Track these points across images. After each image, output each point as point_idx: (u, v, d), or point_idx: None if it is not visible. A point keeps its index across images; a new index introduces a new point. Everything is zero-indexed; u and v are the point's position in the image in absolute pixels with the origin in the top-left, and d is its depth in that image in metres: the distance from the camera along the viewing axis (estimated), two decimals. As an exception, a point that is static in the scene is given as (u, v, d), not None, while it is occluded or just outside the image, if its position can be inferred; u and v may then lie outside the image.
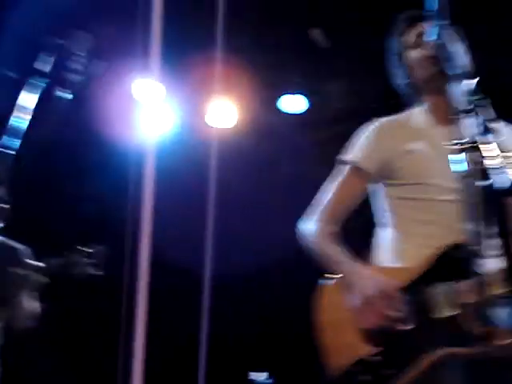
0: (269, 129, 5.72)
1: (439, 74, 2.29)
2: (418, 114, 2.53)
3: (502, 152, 1.18)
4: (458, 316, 2.11)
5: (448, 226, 2.22)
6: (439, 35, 1.74)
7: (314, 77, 5.57)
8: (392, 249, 2.42)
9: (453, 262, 2.15)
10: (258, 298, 5.78)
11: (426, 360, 2.12)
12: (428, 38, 1.87)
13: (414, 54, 2.48)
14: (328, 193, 2.50)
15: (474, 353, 2.07)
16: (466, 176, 1.33)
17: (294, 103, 5.61)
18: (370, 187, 2.50)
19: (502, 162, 1.15)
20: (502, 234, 1.22)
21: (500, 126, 2.45)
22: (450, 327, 2.11)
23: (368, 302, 2.20)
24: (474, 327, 2.07)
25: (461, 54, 2.20)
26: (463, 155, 1.35)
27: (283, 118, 5.71)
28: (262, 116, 5.68)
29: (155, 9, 4.11)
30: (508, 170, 1.15)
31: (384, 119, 2.54)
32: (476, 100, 1.35)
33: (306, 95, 5.58)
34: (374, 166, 2.43)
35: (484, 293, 2.05)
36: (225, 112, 5.48)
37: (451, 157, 1.38)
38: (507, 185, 1.12)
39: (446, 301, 2.14)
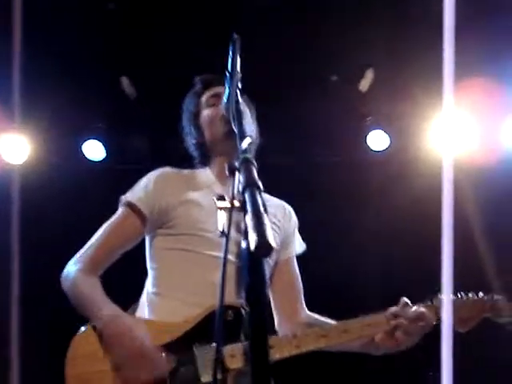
0: (66, 172, 5.54)
1: (226, 135, 2.37)
2: (203, 172, 2.57)
3: (259, 213, 1.18)
4: (221, 381, 2.04)
5: (216, 285, 2.14)
6: (229, 98, 1.77)
7: (116, 125, 5.50)
8: (153, 302, 2.34)
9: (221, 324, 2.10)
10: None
11: None
12: (223, 99, 1.91)
13: (206, 113, 2.54)
14: (98, 233, 2.40)
15: None
16: (226, 235, 1.33)
17: (93, 149, 5.47)
18: (147, 235, 2.44)
19: (258, 223, 1.15)
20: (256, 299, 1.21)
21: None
22: None
23: (125, 362, 2.07)
24: None
25: (246, 118, 2.28)
26: (224, 212, 1.36)
27: (84, 162, 5.55)
28: (60, 158, 5.50)
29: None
30: (267, 232, 1.15)
31: (170, 169, 2.55)
32: (243, 159, 1.37)
33: (105, 143, 5.47)
34: (150, 209, 2.38)
35: (247, 359, 2.08)
36: (19, 149, 5.24)
37: (218, 213, 1.39)
38: (262, 246, 1.12)
39: (210, 364, 2.07)
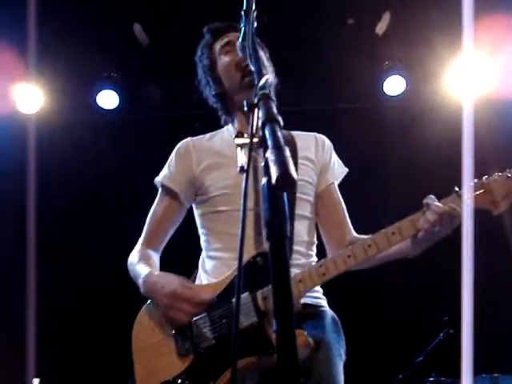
0: (81, 121, 5.53)
1: (244, 83, 2.37)
2: (225, 131, 2.59)
3: (280, 147, 1.16)
4: (257, 324, 2.11)
5: (250, 237, 2.23)
6: (245, 37, 1.74)
7: (130, 74, 5.45)
8: (204, 265, 2.45)
9: (254, 272, 2.15)
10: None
11: (230, 372, 2.08)
12: (237, 44, 1.88)
13: (222, 62, 2.50)
14: (149, 216, 2.56)
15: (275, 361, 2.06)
16: (245, 172, 1.31)
17: (107, 99, 5.44)
18: (190, 207, 2.54)
19: (279, 156, 1.13)
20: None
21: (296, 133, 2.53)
22: (250, 336, 2.10)
23: (164, 307, 2.20)
24: (272, 335, 2.06)
25: (262, 57, 2.24)
26: (244, 151, 1.34)
27: (98, 112, 5.53)
28: (74, 108, 5.48)
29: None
30: (288, 164, 1.13)
31: (191, 138, 2.58)
32: (261, 95, 1.34)
33: (119, 92, 5.44)
34: (179, 185, 2.49)
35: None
36: (33, 99, 5.25)
37: (238, 153, 1.37)
38: (284, 179, 1.09)
39: (245, 310, 2.12)
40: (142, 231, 2.56)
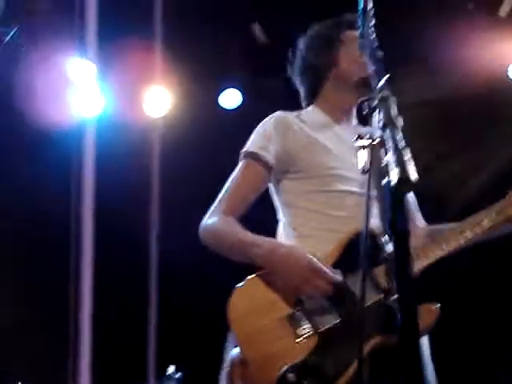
0: (206, 122, 5.69)
1: (364, 81, 2.28)
2: (311, 112, 2.57)
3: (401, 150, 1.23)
4: (381, 301, 2.11)
5: (352, 218, 2.24)
6: (364, 34, 1.75)
7: (251, 72, 5.58)
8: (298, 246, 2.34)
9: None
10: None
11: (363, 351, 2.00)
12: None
13: (355, 49, 2.46)
14: (229, 185, 2.44)
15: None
16: (367, 172, 1.39)
17: (230, 98, 5.60)
18: (272, 182, 2.47)
19: (399, 158, 1.20)
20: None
21: None
22: (375, 314, 2.08)
23: (299, 279, 2.12)
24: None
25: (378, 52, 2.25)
26: (365, 151, 1.42)
27: (220, 111, 5.68)
28: (198, 108, 5.65)
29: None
30: (409, 166, 1.21)
31: (282, 112, 2.52)
32: (382, 97, 1.40)
33: (242, 90, 5.58)
34: (273, 156, 2.40)
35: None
36: (161, 101, 5.40)
37: (357, 153, 1.44)
38: (404, 182, 1.18)
39: (367, 288, 2.02)
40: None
